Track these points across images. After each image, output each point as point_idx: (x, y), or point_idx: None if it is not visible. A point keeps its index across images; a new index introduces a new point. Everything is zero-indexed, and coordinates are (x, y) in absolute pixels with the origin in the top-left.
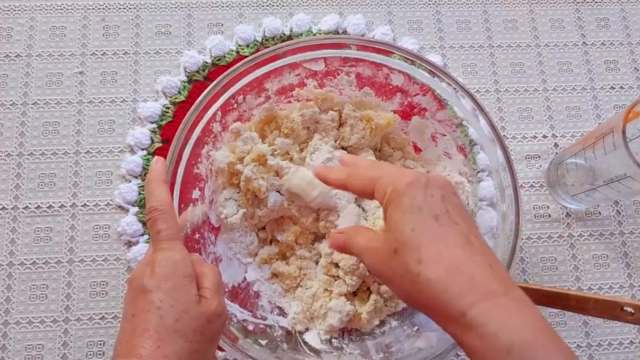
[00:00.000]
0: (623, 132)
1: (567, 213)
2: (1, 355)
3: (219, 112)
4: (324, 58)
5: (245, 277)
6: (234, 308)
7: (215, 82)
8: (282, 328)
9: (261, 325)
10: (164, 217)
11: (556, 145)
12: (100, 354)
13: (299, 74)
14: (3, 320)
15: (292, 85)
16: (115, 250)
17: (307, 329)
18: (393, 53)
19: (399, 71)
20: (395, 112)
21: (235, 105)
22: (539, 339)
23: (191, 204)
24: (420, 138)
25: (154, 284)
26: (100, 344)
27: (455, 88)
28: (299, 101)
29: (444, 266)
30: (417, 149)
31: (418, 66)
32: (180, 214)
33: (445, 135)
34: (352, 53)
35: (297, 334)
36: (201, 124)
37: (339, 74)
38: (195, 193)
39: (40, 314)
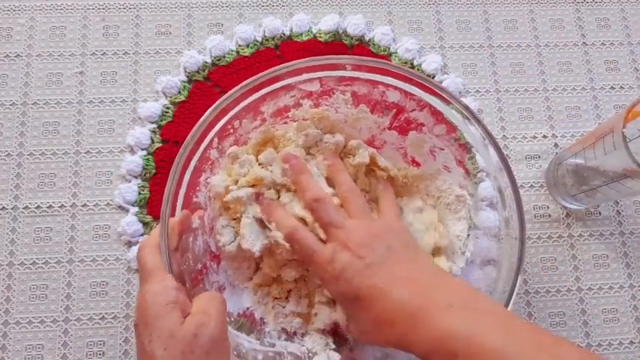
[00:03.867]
0: (623, 132)
1: (567, 213)
2: (1, 355)
3: (215, 139)
4: (320, 78)
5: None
6: (241, 338)
7: (211, 108)
8: (291, 354)
9: (270, 354)
10: (145, 251)
11: (556, 145)
12: (100, 354)
13: (294, 95)
14: (3, 320)
15: (287, 107)
16: (115, 250)
17: (316, 353)
18: (389, 72)
19: (395, 88)
20: (391, 127)
21: (231, 130)
22: None
23: (191, 234)
24: (418, 152)
25: (140, 321)
26: (100, 344)
27: (464, 114)
28: (295, 121)
29: None
30: (416, 163)
31: (414, 84)
32: (180, 239)
33: (443, 149)
34: (348, 74)
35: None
36: (199, 153)
37: (334, 93)
38: (196, 222)
39: (40, 314)
